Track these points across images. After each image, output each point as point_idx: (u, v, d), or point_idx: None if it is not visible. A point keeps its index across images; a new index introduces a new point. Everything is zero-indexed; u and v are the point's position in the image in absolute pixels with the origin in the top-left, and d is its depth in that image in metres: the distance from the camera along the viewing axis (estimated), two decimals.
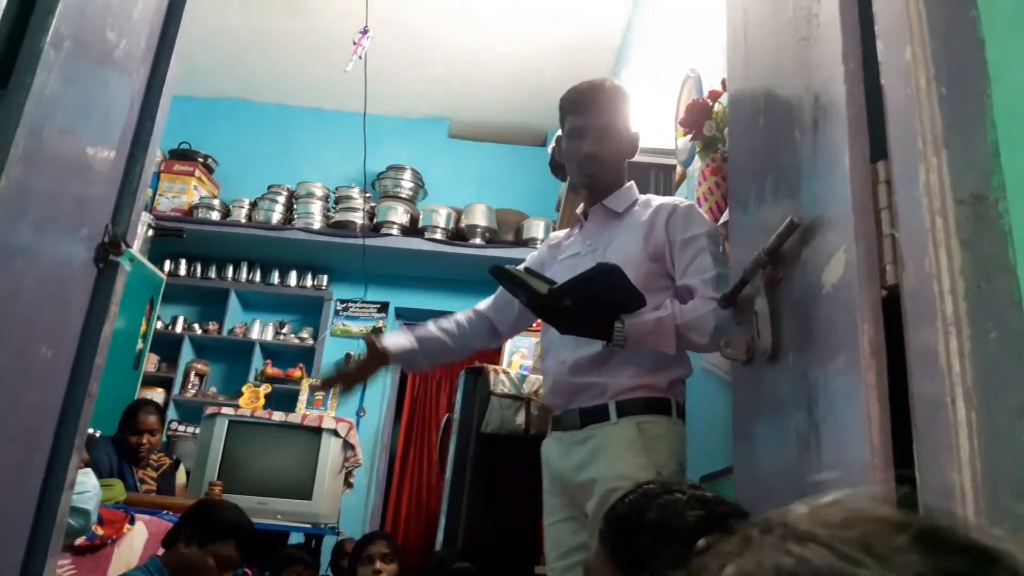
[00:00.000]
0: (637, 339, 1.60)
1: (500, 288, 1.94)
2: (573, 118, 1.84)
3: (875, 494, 0.34)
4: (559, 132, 1.94)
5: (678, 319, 1.60)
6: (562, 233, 2.04)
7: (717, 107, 2.03)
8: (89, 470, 2.29)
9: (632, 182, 1.90)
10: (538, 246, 4.95)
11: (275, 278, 5.46)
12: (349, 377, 1.96)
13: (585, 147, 1.80)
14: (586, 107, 1.82)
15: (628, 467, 1.56)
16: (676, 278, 1.71)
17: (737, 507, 1.05)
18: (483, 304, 2.08)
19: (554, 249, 2.01)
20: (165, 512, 2.84)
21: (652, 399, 1.66)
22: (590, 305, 1.59)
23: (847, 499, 0.35)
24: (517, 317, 2.00)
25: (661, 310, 1.62)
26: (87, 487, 2.18)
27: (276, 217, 5.25)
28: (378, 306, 5.55)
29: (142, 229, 4.41)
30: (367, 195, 5.36)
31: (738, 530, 0.37)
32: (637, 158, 1.97)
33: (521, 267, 1.73)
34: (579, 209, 1.94)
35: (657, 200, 1.83)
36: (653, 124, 2.89)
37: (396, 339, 1.98)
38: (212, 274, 5.41)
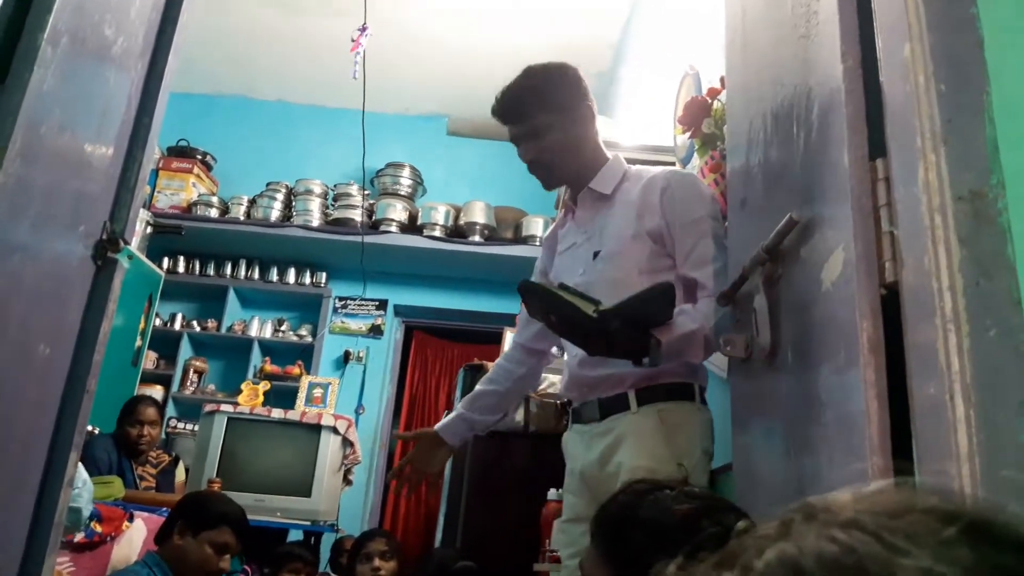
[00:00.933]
0: (672, 354, 1.51)
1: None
2: (509, 130, 1.78)
3: (923, 484, 0.33)
4: (507, 96, 1.78)
5: (706, 330, 1.51)
6: (554, 226, 1.97)
7: (716, 104, 2.03)
8: (80, 466, 2.29)
9: (616, 155, 1.79)
10: (538, 243, 5.03)
11: (274, 275, 5.46)
12: (419, 473, 1.91)
13: (521, 155, 1.75)
14: (507, 117, 1.76)
15: (650, 458, 1.51)
16: (677, 264, 1.63)
17: (729, 503, 1.05)
18: (516, 333, 2.01)
19: (550, 244, 1.95)
20: (163, 509, 2.84)
21: (673, 384, 1.59)
22: (634, 325, 1.47)
23: (893, 488, 0.34)
24: (542, 328, 1.82)
25: (686, 319, 1.51)
26: (77, 483, 2.18)
27: (275, 214, 5.25)
28: (376, 303, 5.55)
29: (140, 226, 4.41)
30: (366, 192, 5.35)
31: (726, 524, 0.37)
32: (635, 155, 1.97)
33: (544, 281, 1.62)
34: (567, 195, 1.86)
35: (647, 172, 1.73)
36: (652, 121, 2.89)
37: (450, 425, 1.92)
38: (211, 271, 5.41)
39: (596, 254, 1.71)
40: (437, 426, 1.92)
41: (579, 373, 1.69)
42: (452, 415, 1.94)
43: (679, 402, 1.58)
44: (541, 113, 1.71)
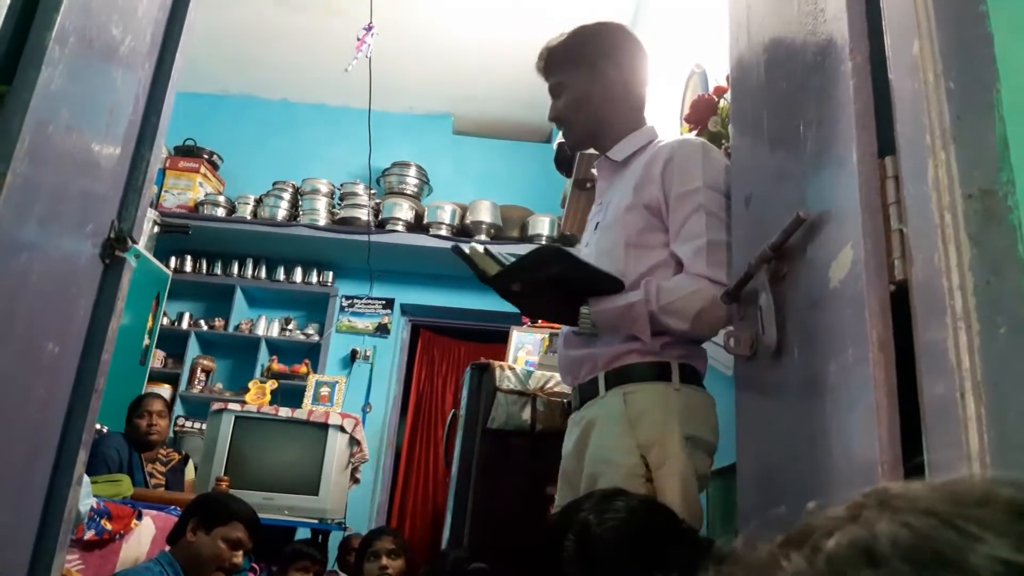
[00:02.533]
0: (607, 326, 1.45)
1: None
2: (547, 80, 1.72)
3: (997, 477, 0.33)
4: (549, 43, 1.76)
5: (652, 304, 1.41)
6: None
7: (722, 103, 2.03)
8: None
9: (647, 127, 1.69)
10: (544, 242, 5.03)
11: (280, 274, 5.47)
12: None
13: (549, 112, 1.70)
14: (544, 69, 1.70)
15: (610, 449, 1.40)
16: (670, 241, 1.51)
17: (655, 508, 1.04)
18: None
19: (591, 223, 1.88)
20: (172, 507, 2.85)
21: (645, 364, 1.45)
22: (546, 289, 1.46)
23: (970, 480, 0.33)
24: None
25: (633, 293, 1.44)
26: None
27: (281, 214, 5.26)
28: (383, 302, 5.55)
29: (148, 226, 4.43)
30: (372, 191, 5.36)
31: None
32: None
33: (495, 249, 1.57)
34: (594, 169, 1.82)
35: (665, 142, 1.61)
36: (658, 119, 2.88)
37: None
38: (218, 270, 5.43)
39: (597, 225, 1.65)
40: None
41: (562, 353, 1.62)
42: None
43: (650, 383, 1.43)
44: (563, 68, 1.66)
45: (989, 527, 0.29)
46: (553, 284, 1.47)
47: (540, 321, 3.31)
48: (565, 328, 1.62)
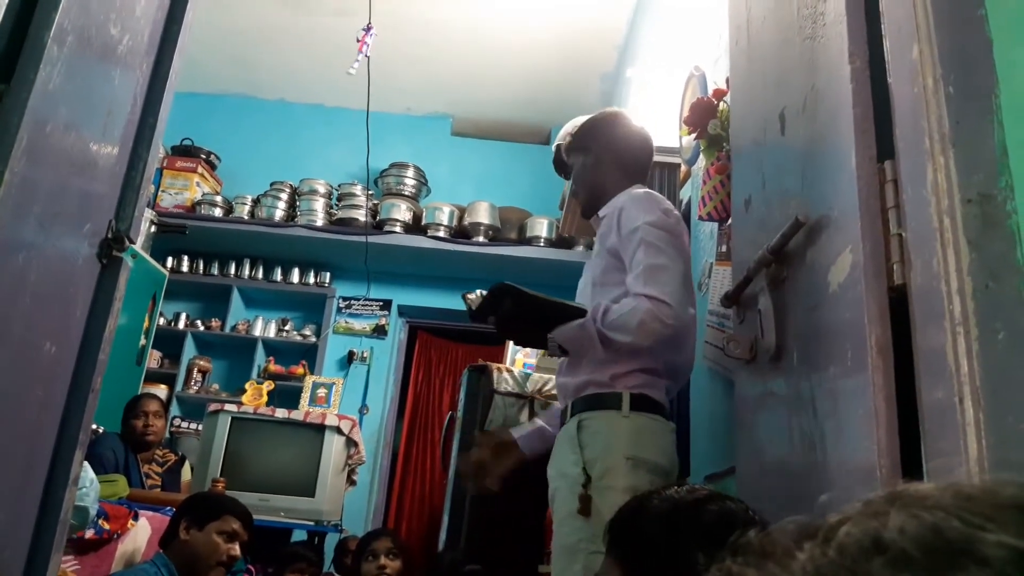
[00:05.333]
0: (569, 347, 1.70)
1: None
2: None
3: (1001, 477, 0.34)
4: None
5: (598, 322, 1.64)
6: None
7: (722, 106, 2.02)
8: (86, 464, 2.30)
9: (627, 191, 1.89)
10: (542, 243, 5.04)
11: (278, 275, 5.45)
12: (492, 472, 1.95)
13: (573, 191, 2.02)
14: (564, 162, 2.06)
15: (563, 463, 1.64)
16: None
17: (727, 496, 1.06)
18: None
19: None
20: (168, 508, 2.84)
21: (598, 395, 1.68)
22: (518, 320, 1.72)
23: (978, 479, 0.35)
24: None
25: (584, 318, 1.67)
26: (84, 482, 2.19)
27: (279, 214, 5.25)
28: (380, 303, 5.55)
29: (145, 225, 4.42)
30: (370, 192, 5.35)
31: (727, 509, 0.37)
32: None
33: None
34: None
35: (618, 198, 1.89)
36: (658, 122, 2.88)
37: (527, 436, 1.97)
38: (215, 271, 5.41)
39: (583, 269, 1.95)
40: (515, 434, 1.98)
41: (556, 379, 1.87)
42: (530, 426, 2.01)
43: (601, 411, 1.65)
44: (570, 155, 2.03)
45: (994, 519, 0.31)
46: (522, 316, 1.71)
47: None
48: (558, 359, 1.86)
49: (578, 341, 1.67)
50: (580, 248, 4.94)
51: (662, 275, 1.61)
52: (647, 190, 1.88)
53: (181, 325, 5.33)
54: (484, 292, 1.78)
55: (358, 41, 3.96)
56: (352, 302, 5.53)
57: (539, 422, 2.00)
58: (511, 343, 3.50)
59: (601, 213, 1.89)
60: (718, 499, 0.99)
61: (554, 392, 2.75)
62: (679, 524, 0.94)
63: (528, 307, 1.70)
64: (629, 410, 1.64)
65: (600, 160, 1.93)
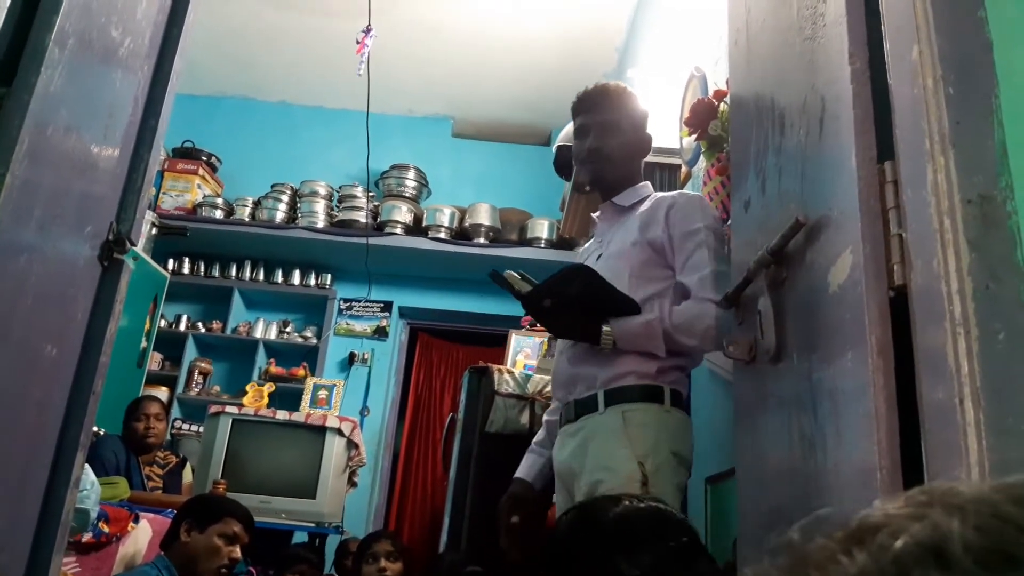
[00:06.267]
0: (625, 342, 1.63)
1: None
2: (579, 118, 1.89)
3: None
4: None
5: (666, 322, 1.61)
6: (589, 240, 2.10)
7: (722, 107, 2.03)
8: (88, 467, 2.30)
9: (648, 183, 1.91)
10: (543, 245, 5.04)
11: (279, 277, 5.46)
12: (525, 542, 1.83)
13: (588, 142, 1.84)
14: (589, 106, 1.87)
15: (610, 458, 1.56)
16: (676, 273, 1.71)
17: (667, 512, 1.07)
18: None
19: (582, 257, 2.04)
20: (169, 510, 2.84)
21: (641, 387, 1.63)
22: (571, 307, 1.64)
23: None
24: None
25: (649, 312, 1.64)
26: (85, 485, 2.19)
27: (280, 216, 5.25)
28: (381, 305, 5.55)
29: (146, 227, 4.42)
30: (371, 194, 5.36)
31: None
32: None
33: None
34: (595, 213, 1.99)
35: (666, 193, 1.85)
36: (658, 123, 2.88)
37: (529, 468, 1.89)
38: (216, 273, 5.42)
39: (599, 256, 1.84)
40: (527, 477, 1.88)
41: (561, 369, 1.77)
42: (531, 461, 1.91)
43: (645, 404, 1.61)
44: (621, 114, 1.86)
45: None
46: (577, 303, 1.64)
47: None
48: (563, 346, 1.79)
49: (640, 338, 1.62)
50: (581, 249, 4.94)
51: (725, 282, 1.58)
52: (700, 194, 1.88)
53: (182, 327, 5.33)
54: (521, 273, 1.70)
55: (358, 43, 3.96)
56: (353, 304, 5.53)
57: (537, 452, 1.91)
58: (512, 341, 3.50)
59: (627, 201, 1.84)
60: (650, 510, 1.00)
61: None
62: (623, 543, 0.95)
63: (599, 295, 1.63)
64: (670, 405, 1.63)
65: (630, 142, 1.87)
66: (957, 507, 0.31)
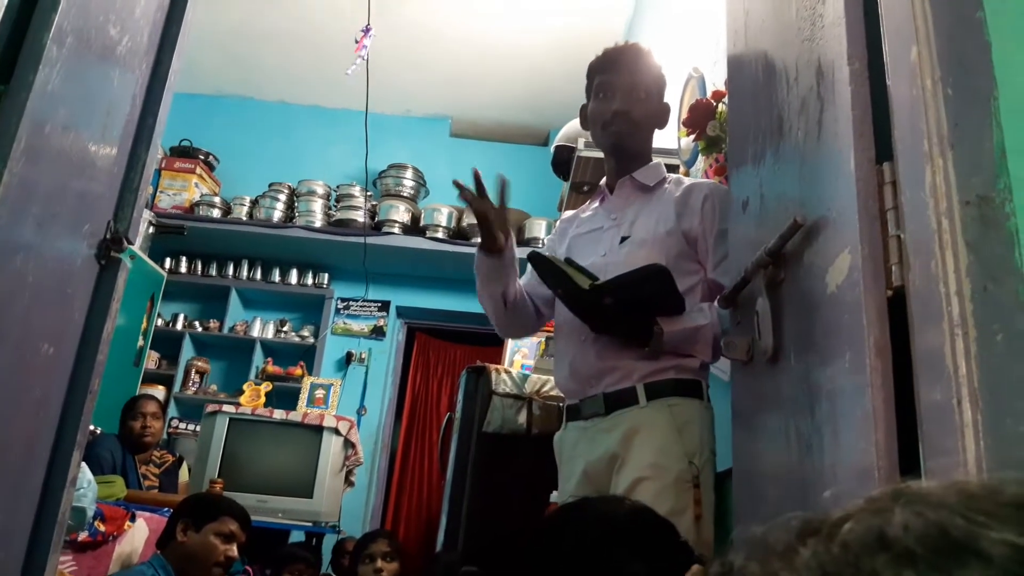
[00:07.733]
0: (674, 344, 1.55)
1: (529, 268, 1.82)
2: (602, 76, 1.73)
3: (1003, 476, 0.34)
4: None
5: (717, 328, 1.55)
6: (578, 210, 1.95)
7: (720, 107, 2.03)
8: (84, 465, 2.30)
9: (660, 161, 1.81)
10: (541, 245, 5.03)
11: (276, 276, 5.45)
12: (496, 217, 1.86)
13: (615, 104, 1.70)
14: (617, 65, 1.72)
15: (660, 455, 1.48)
16: (708, 270, 1.64)
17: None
18: (523, 280, 1.89)
19: (564, 228, 1.93)
20: (165, 509, 2.84)
21: (683, 380, 1.56)
22: (632, 306, 1.53)
23: (981, 479, 0.35)
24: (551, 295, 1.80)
25: (699, 315, 1.57)
26: (82, 483, 2.19)
27: (277, 215, 5.25)
28: (379, 304, 5.55)
29: (143, 226, 4.41)
30: (368, 193, 5.35)
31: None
32: None
33: (559, 256, 1.65)
34: (603, 181, 1.84)
35: (689, 180, 1.75)
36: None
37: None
38: (213, 272, 5.41)
39: (624, 239, 1.69)
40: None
41: (583, 362, 1.64)
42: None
43: (689, 399, 1.55)
44: (649, 78, 1.74)
45: (997, 517, 0.31)
46: (636, 302, 1.54)
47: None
48: (583, 337, 1.65)
49: (690, 341, 1.56)
50: (568, 214, 4.95)
51: None
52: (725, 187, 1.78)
53: (179, 326, 5.33)
54: (570, 260, 1.59)
55: (356, 42, 3.95)
56: (350, 303, 5.53)
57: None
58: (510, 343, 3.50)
59: (650, 180, 1.73)
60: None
61: (553, 393, 2.75)
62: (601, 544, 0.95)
63: (665, 296, 1.52)
64: (707, 401, 1.58)
65: (656, 111, 1.76)
66: (903, 499, 0.33)
